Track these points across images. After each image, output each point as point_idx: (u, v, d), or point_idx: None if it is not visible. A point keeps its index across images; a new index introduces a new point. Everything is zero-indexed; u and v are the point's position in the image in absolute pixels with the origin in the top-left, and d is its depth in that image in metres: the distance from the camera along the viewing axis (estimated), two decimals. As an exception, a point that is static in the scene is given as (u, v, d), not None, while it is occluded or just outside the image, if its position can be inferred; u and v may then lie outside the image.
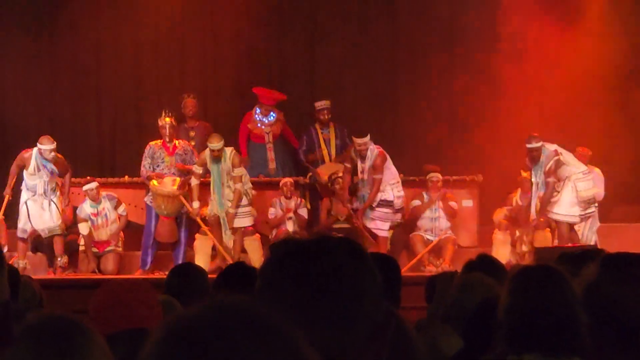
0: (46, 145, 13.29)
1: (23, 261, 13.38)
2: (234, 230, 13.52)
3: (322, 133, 15.19)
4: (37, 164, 13.34)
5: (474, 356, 4.00)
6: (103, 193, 14.01)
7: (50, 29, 16.67)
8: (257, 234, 13.98)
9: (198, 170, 13.51)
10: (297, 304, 1.86)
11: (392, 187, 13.85)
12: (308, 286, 1.87)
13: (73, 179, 14.04)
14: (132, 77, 16.88)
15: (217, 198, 13.47)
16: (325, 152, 15.09)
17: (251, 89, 15.57)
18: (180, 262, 13.65)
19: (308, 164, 15.12)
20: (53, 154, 13.32)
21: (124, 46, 16.79)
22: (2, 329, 2.13)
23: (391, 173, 13.92)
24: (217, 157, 13.36)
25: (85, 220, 13.86)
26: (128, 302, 3.72)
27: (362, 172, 13.83)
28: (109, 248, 13.95)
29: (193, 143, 14.75)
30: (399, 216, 14.16)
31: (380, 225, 13.81)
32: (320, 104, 15.18)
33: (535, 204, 13.47)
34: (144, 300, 3.77)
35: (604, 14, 16.04)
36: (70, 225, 14.13)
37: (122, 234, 14.25)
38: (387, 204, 13.83)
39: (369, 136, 13.80)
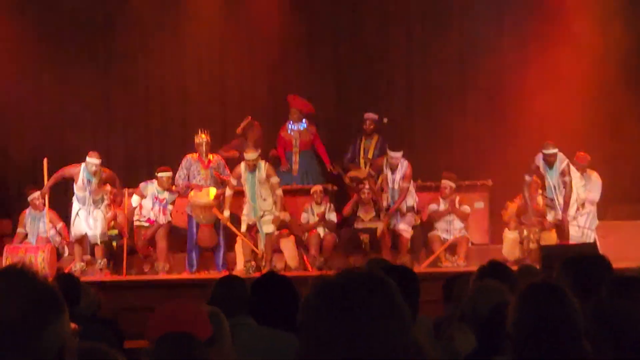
0: (92, 159, 13.35)
1: (80, 264, 13.47)
2: (266, 235, 13.51)
3: (365, 142, 15.28)
4: (84, 177, 13.43)
5: (486, 357, 4.02)
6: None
7: (105, 58, 16.80)
8: (292, 235, 14.05)
9: (233, 182, 13.56)
10: (335, 340, 1.89)
11: (412, 195, 13.99)
12: (342, 326, 1.89)
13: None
14: (178, 100, 16.99)
15: (252, 205, 13.49)
16: (362, 160, 15.20)
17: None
18: (220, 264, 13.77)
19: (342, 169, 15.21)
20: (95, 168, 13.35)
21: (171, 72, 16.91)
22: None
23: (411, 182, 14.02)
24: (252, 168, 13.40)
25: (143, 197, 13.86)
26: (177, 314, 3.74)
27: (392, 183, 13.88)
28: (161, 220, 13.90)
29: None
30: (417, 218, 14.21)
31: (406, 227, 13.84)
32: (366, 115, 15.31)
33: (556, 203, 13.35)
34: (192, 312, 3.79)
35: (604, 17, 15.96)
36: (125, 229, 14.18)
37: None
38: (412, 209, 13.95)
39: (402, 152, 13.87)
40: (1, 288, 2.05)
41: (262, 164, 13.50)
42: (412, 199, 13.96)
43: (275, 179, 13.51)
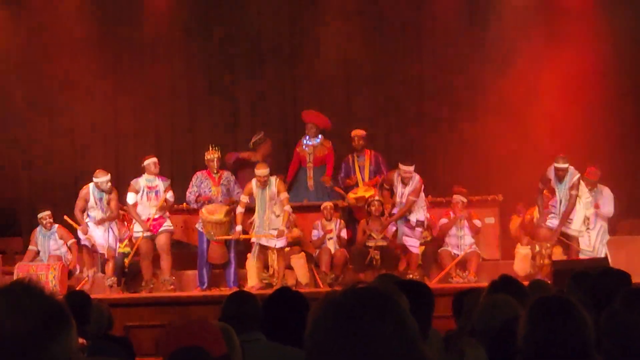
0: (102, 178, 13.52)
1: (92, 270, 13.52)
2: (278, 251, 13.53)
3: (357, 160, 15.21)
4: (94, 197, 13.56)
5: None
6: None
7: (113, 77, 16.88)
8: (303, 252, 14.06)
9: (245, 199, 13.59)
10: (341, 357, 1.88)
11: (423, 210, 13.91)
12: (348, 344, 1.89)
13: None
14: (187, 121, 17.08)
15: (259, 222, 13.50)
16: (359, 177, 15.12)
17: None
18: (232, 281, 13.76)
19: (342, 189, 15.17)
20: (109, 184, 13.54)
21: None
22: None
23: (422, 198, 13.96)
24: (263, 184, 13.42)
25: (136, 192, 13.80)
26: (191, 330, 3.73)
27: (401, 196, 13.85)
28: (162, 229, 13.79)
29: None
30: (426, 234, 14.18)
31: (413, 242, 13.83)
32: (353, 133, 15.22)
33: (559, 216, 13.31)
34: (206, 328, 3.78)
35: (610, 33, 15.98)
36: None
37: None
38: (421, 224, 13.90)
39: (414, 166, 13.86)
40: (8, 302, 2.05)
41: (274, 180, 13.55)
42: (422, 214, 13.91)
43: (284, 195, 13.55)
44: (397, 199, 13.87)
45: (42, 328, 2.04)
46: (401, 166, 13.85)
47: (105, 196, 13.60)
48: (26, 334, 2.02)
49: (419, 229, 13.88)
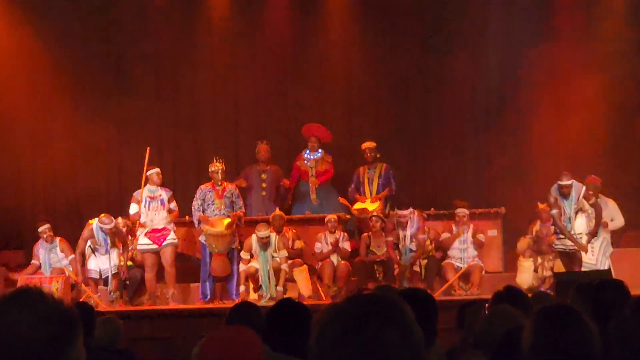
0: (105, 225, 13.57)
1: (96, 295, 13.54)
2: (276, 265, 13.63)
3: (368, 172, 15.25)
4: (99, 237, 13.66)
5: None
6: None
7: (118, 89, 16.91)
8: (305, 265, 14.04)
9: (245, 256, 13.74)
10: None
11: (414, 226, 14.00)
12: (352, 351, 1.91)
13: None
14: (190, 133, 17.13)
15: (265, 282, 13.55)
16: (367, 189, 15.15)
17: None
18: (234, 293, 13.78)
19: (349, 201, 15.20)
20: (110, 231, 13.63)
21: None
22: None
23: (415, 220, 14.03)
24: (264, 245, 13.55)
25: (138, 203, 13.86)
26: (230, 344, 3.74)
27: (404, 239, 13.90)
28: (166, 242, 13.84)
29: (264, 185, 15.36)
30: (430, 248, 14.25)
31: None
32: (364, 145, 15.24)
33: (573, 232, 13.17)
34: (245, 342, 3.79)
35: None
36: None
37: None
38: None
39: (410, 209, 13.88)
40: (23, 309, 2.07)
41: (274, 237, 13.64)
42: (415, 229, 13.99)
43: (283, 253, 13.66)
44: (401, 243, 13.93)
45: (57, 333, 2.06)
46: (397, 211, 13.97)
47: (108, 238, 13.67)
48: (42, 340, 2.04)
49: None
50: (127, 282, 13.98)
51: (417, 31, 16.95)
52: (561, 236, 12.99)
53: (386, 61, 17.04)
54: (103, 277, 13.78)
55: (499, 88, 16.39)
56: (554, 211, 13.01)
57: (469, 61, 16.69)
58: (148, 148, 14.01)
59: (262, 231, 13.56)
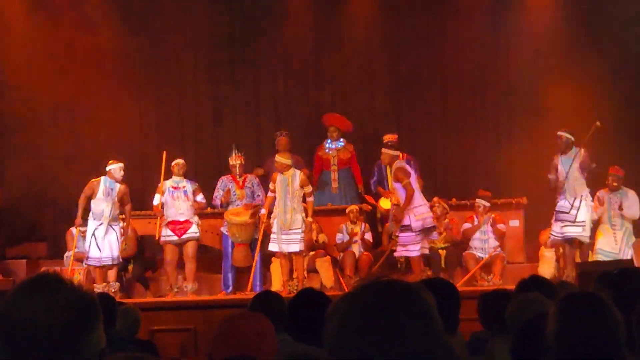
0: (115, 165, 13.38)
1: (101, 285, 13.17)
2: (296, 255, 13.24)
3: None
4: (105, 188, 13.31)
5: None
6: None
7: (139, 84, 16.92)
8: (328, 256, 14.03)
9: (272, 186, 13.30)
10: (363, 349, 1.87)
11: (409, 212, 13.05)
12: (373, 337, 1.88)
13: (146, 211, 14.33)
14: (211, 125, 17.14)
15: (281, 212, 13.07)
16: (390, 183, 14.99)
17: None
18: (257, 283, 13.76)
19: (373, 194, 15.14)
20: (122, 172, 13.40)
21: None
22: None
23: (417, 198, 13.17)
24: (282, 171, 13.14)
25: (162, 193, 13.67)
26: (244, 332, 3.74)
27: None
28: (187, 235, 13.70)
29: None
30: (447, 237, 14.10)
31: (406, 249, 13.11)
32: (385, 138, 14.85)
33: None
34: (259, 332, 3.79)
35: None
36: (135, 252, 14.26)
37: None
38: (406, 228, 13.05)
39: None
40: (43, 296, 2.07)
41: (298, 174, 13.26)
42: (407, 218, 13.00)
43: (308, 188, 13.22)
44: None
45: (77, 321, 2.05)
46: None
47: (116, 187, 13.35)
48: (62, 327, 2.03)
49: (404, 234, 13.08)
50: (129, 276, 13.97)
51: (440, 29, 16.97)
52: (564, 224, 12.99)
53: (405, 52, 17.00)
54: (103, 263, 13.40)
55: (520, 80, 16.35)
56: (551, 176, 13.10)
57: (489, 56, 16.71)
58: (164, 152, 13.88)
59: (282, 158, 13.21)
